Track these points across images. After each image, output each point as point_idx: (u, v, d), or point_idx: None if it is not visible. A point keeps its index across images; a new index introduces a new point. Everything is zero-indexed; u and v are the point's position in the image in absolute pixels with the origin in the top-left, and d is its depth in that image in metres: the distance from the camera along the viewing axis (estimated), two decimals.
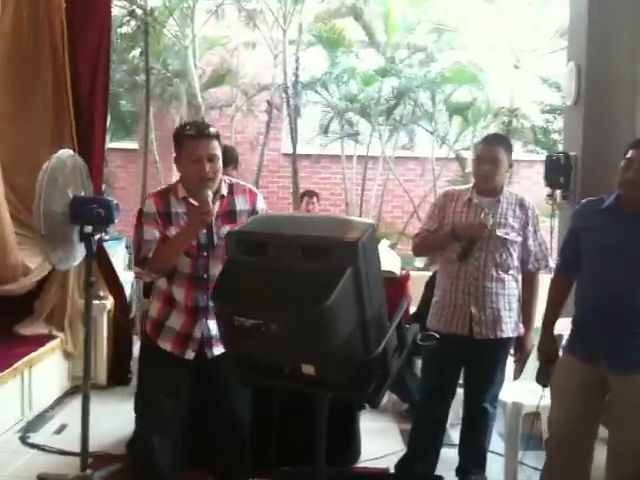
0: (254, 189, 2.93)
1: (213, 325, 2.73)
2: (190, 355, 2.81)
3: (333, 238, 1.71)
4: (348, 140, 10.00)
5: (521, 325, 3.45)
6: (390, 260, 5.46)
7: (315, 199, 7.53)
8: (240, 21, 10.26)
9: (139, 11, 8.25)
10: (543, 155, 9.62)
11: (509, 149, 3.41)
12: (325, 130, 9.38)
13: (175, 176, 3.05)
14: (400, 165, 10.64)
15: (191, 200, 2.74)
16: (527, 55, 8.80)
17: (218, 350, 2.77)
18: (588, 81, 5.15)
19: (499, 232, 3.34)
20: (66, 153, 3.19)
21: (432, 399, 3.53)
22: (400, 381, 4.34)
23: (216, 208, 2.74)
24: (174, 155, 2.79)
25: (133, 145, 11.49)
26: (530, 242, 3.42)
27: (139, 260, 2.78)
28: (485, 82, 8.73)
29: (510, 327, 3.40)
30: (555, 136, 8.94)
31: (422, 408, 3.64)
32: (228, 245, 1.85)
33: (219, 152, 2.72)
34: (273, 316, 1.64)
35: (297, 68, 9.22)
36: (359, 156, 10.24)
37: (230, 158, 4.20)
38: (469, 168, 9.73)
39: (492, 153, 3.36)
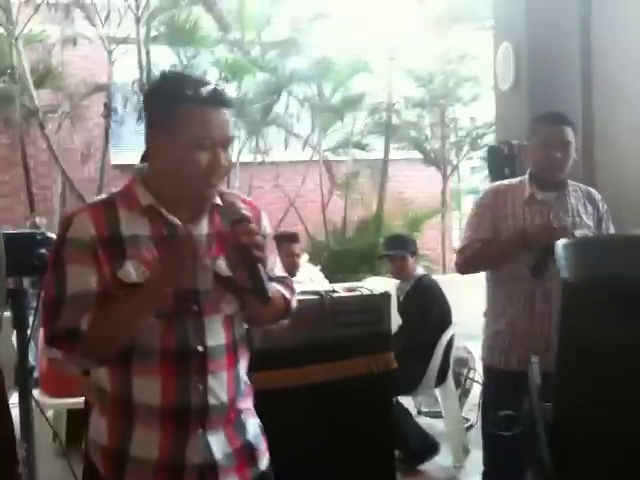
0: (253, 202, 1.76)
1: (217, 441, 1.59)
2: None
3: None
4: None
5: None
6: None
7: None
8: (61, 15, 8.79)
9: None
10: (416, 153, 9.42)
11: (576, 130, 2.72)
12: None
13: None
14: (246, 171, 9.44)
15: (165, 214, 1.55)
16: (399, 47, 8.36)
17: None
18: (530, 62, 4.70)
19: (578, 234, 2.63)
20: None
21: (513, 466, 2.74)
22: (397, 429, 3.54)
23: (204, 227, 1.60)
24: (151, 131, 1.57)
25: None
26: None
27: (57, 335, 1.49)
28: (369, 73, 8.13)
29: None
30: (428, 131, 8.62)
31: None
32: (595, 309, 0.89)
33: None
34: None
35: (149, 64, 7.97)
36: None
37: None
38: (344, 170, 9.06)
39: (563, 136, 2.67)
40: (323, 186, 8.88)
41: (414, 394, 4.15)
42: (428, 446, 4.07)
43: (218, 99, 1.53)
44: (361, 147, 8.76)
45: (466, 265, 2.80)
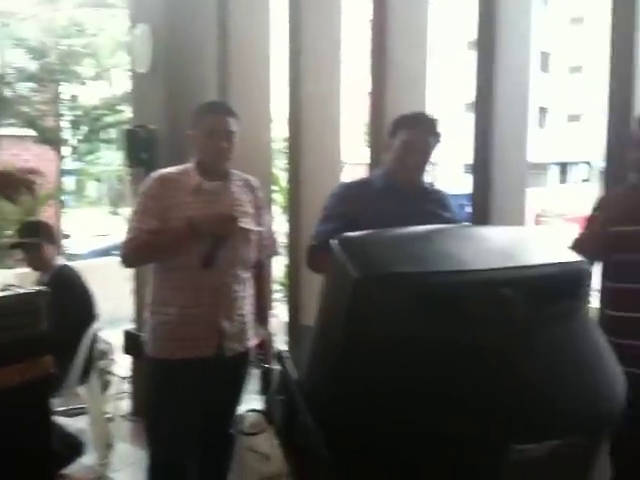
0: None
1: None
2: None
3: (568, 264, 1.01)
4: None
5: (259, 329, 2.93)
6: None
7: None
8: None
9: None
10: (28, 130, 8.57)
11: (238, 120, 2.78)
12: None
13: None
14: None
15: None
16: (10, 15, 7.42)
17: None
18: (168, 45, 4.67)
19: (243, 223, 2.72)
20: None
21: (178, 452, 2.72)
22: None
23: None
24: None
25: None
26: (265, 228, 2.90)
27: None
28: None
29: (252, 332, 2.86)
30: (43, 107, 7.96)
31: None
32: (390, 305, 0.88)
33: None
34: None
35: None
36: None
37: None
38: None
39: (228, 125, 2.69)
40: None
41: (57, 396, 3.84)
42: (73, 447, 3.81)
43: None
44: None
45: (133, 257, 2.67)
